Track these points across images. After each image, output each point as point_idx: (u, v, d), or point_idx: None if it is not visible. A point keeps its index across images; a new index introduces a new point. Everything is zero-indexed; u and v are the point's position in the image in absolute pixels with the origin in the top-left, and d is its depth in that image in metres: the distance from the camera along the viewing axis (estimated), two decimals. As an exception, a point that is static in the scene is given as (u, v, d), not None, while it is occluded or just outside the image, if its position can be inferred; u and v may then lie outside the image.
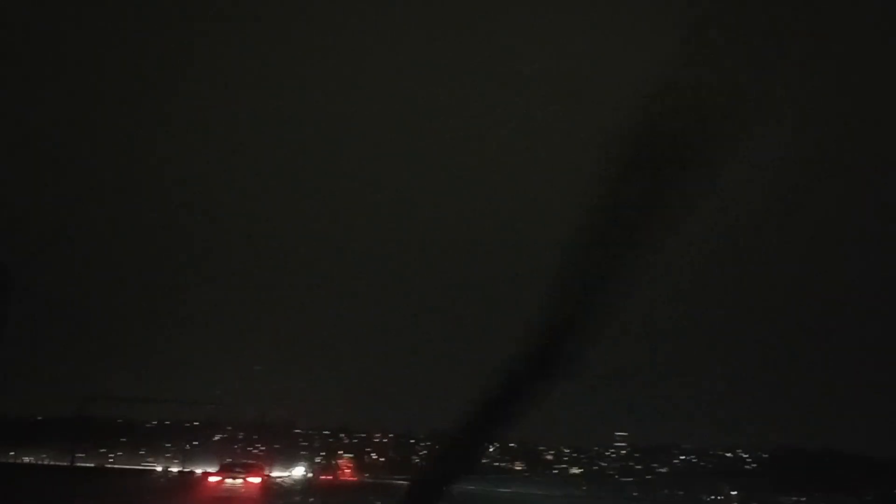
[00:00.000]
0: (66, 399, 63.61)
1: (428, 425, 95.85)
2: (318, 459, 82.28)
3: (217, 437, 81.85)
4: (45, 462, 62.95)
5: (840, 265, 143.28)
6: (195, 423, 78.50)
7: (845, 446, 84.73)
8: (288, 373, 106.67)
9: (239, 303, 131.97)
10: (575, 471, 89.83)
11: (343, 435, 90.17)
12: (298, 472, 66.69)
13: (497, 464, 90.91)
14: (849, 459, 79.57)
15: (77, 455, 70.83)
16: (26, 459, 64.94)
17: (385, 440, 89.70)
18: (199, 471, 54.91)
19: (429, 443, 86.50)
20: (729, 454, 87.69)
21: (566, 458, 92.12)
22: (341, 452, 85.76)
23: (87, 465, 58.31)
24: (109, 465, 63.48)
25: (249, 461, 41.80)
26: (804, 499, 77.41)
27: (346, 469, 73.44)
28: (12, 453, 74.61)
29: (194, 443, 78.55)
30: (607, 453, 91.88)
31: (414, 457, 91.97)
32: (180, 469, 57.50)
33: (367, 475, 69.57)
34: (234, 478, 26.69)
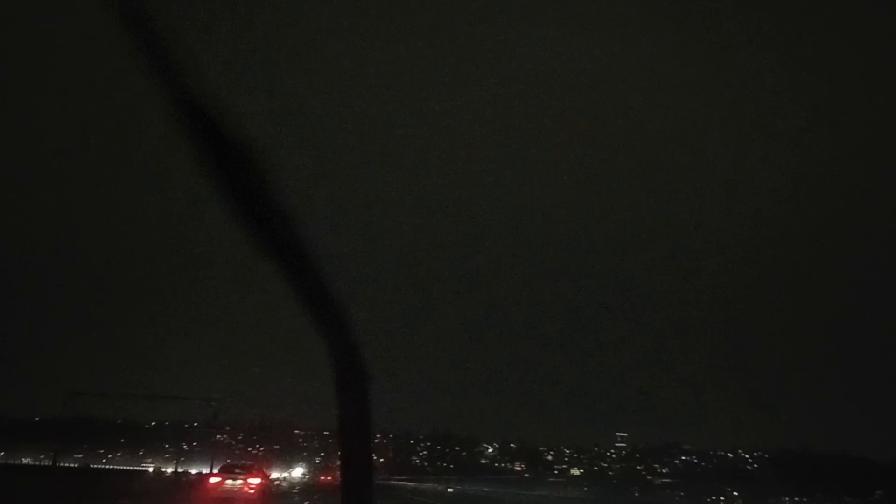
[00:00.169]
0: (56, 397, 62.95)
1: (427, 426, 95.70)
2: (317, 460, 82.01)
3: (216, 438, 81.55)
4: (25, 462, 62.19)
5: (846, 268, 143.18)
6: (195, 424, 78.19)
7: (848, 448, 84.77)
8: (288, 374, 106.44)
9: (239, 303, 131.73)
10: (575, 472, 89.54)
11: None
12: (297, 472, 66.42)
13: (497, 464, 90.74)
14: (851, 461, 79.32)
15: (75, 455, 70.52)
16: (25, 460, 64.55)
17: (385, 441, 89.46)
18: (193, 471, 54.48)
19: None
20: (730, 455, 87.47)
21: (566, 459, 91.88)
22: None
23: (71, 465, 57.41)
24: (94, 466, 62.31)
25: (249, 462, 41.54)
26: (806, 500, 77.12)
27: (346, 470, 72.80)
28: (2, 453, 74.20)
29: (193, 444, 78.25)
30: (608, 454, 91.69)
31: (414, 457, 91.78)
32: (175, 469, 56.81)
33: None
34: (233, 479, 26.50)
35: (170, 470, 57.17)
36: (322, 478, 64.43)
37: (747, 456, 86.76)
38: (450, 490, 50.99)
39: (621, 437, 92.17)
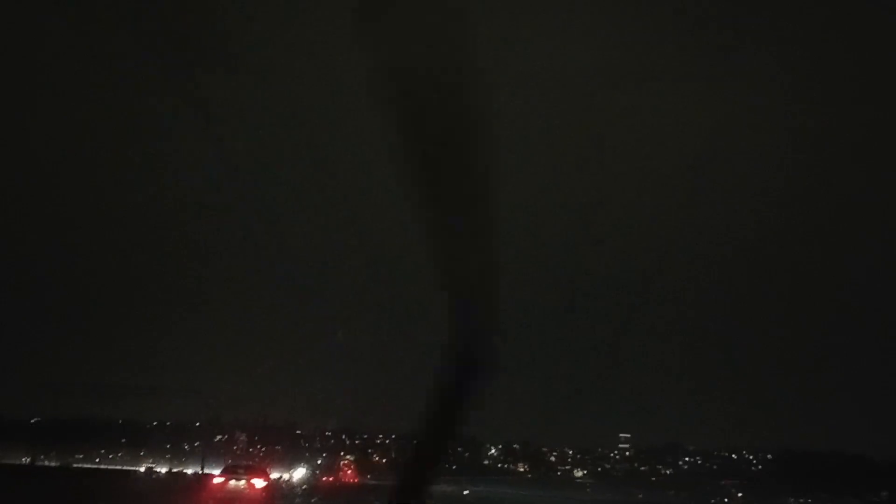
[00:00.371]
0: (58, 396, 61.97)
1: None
2: (319, 461, 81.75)
3: (217, 439, 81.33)
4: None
5: (846, 267, 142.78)
6: (196, 424, 78.03)
7: (851, 448, 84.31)
8: (290, 374, 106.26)
9: (240, 304, 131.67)
10: (579, 473, 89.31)
11: (345, 436, 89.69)
12: (300, 473, 66.14)
13: (500, 465, 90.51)
14: (854, 461, 79.05)
15: (76, 455, 70.28)
16: (25, 460, 64.22)
17: (387, 441, 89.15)
18: (189, 471, 53.90)
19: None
20: (734, 456, 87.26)
21: (570, 460, 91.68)
22: (343, 453, 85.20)
23: (51, 464, 55.99)
24: (77, 466, 60.97)
25: (253, 463, 41.39)
26: (809, 500, 76.89)
27: (348, 470, 72.84)
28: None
29: (195, 444, 77.99)
30: (612, 455, 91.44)
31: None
32: (169, 469, 55.94)
33: (369, 476, 69.00)
34: (237, 479, 26.47)
35: (164, 470, 56.33)
36: (324, 478, 64.16)
37: (751, 457, 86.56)
38: (465, 492, 50.56)
39: (625, 438, 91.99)
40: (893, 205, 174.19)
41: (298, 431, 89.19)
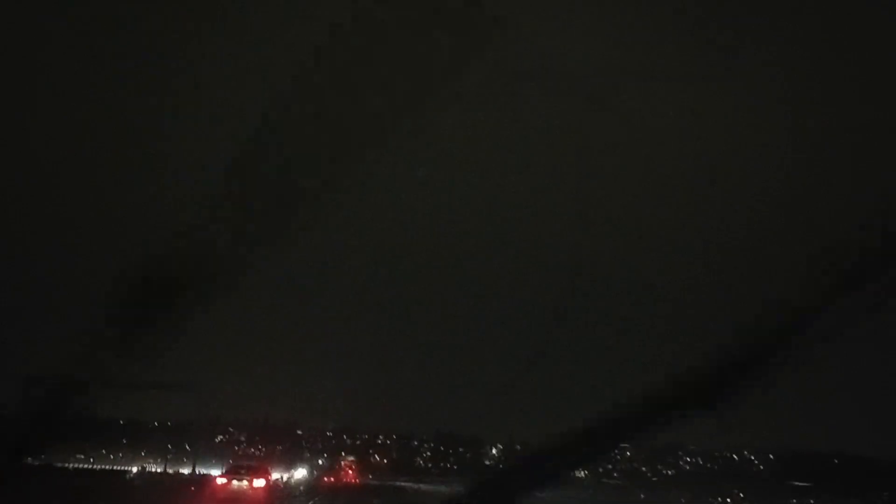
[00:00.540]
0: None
1: (431, 427, 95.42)
2: (320, 461, 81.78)
3: (218, 439, 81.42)
4: None
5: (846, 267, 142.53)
6: (195, 425, 77.98)
7: (855, 448, 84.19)
8: (290, 374, 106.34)
9: (240, 304, 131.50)
10: (580, 474, 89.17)
11: (346, 436, 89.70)
12: (300, 473, 66.13)
13: (501, 465, 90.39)
14: (858, 462, 78.96)
15: (77, 455, 70.28)
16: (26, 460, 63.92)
17: (388, 441, 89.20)
18: (184, 471, 53.63)
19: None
20: (735, 456, 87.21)
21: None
22: (344, 454, 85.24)
23: (34, 463, 55.29)
24: (60, 465, 60.03)
25: (255, 463, 41.54)
26: (812, 501, 76.79)
27: (349, 470, 72.85)
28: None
29: (195, 444, 78.01)
30: (612, 455, 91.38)
31: (418, 458, 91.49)
32: (164, 469, 55.47)
33: (370, 477, 69.05)
34: (240, 480, 26.67)
35: (158, 469, 55.83)
36: (325, 478, 64.16)
37: (753, 457, 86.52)
38: None
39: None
40: (893, 205, 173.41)
41: (298, 431, 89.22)
